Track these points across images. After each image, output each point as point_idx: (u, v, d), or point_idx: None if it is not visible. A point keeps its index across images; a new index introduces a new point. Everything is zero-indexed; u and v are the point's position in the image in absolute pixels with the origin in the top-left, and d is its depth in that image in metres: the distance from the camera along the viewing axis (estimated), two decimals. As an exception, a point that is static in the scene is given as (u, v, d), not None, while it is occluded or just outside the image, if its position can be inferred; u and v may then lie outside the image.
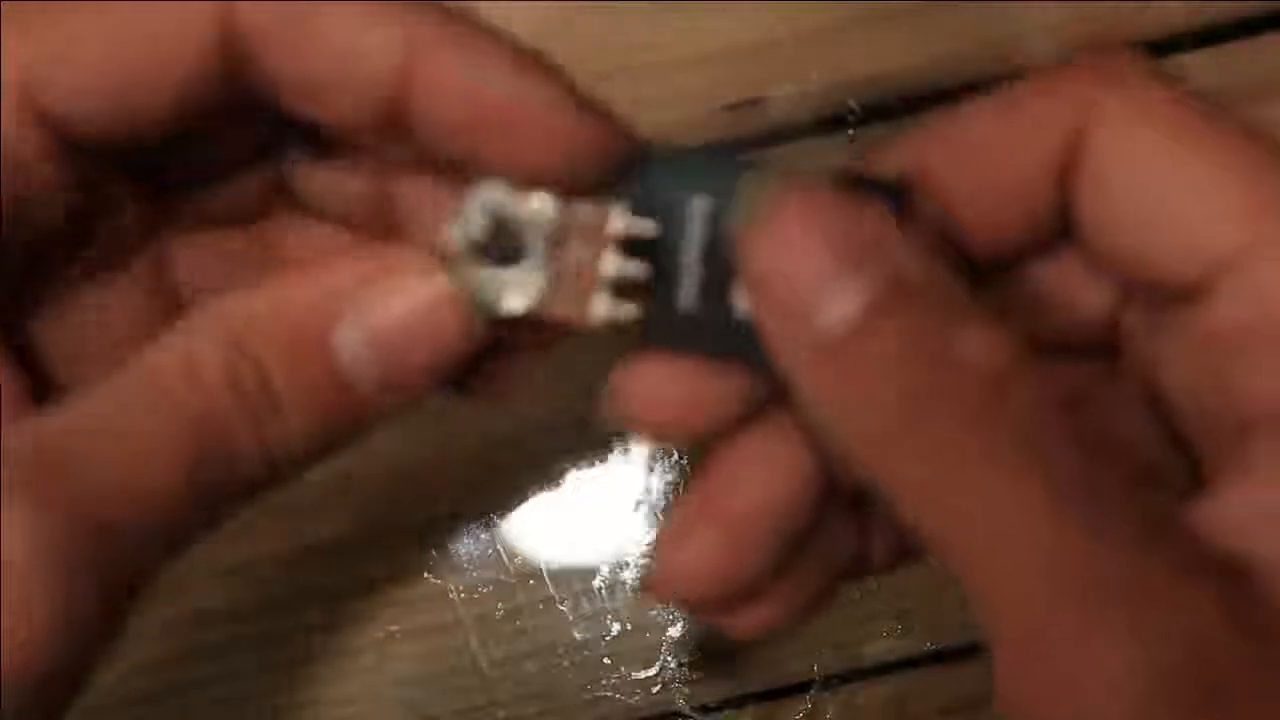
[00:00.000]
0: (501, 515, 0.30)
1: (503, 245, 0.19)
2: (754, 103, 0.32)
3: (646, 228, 0.19)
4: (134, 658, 0.30)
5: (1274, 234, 0.16)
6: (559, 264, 0.19)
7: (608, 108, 0.19)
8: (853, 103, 0.32)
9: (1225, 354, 0.16)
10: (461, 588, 0.30)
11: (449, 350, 0.19)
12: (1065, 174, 0.18)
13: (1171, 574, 0.15)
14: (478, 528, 0.30)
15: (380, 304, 0.19)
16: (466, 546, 0.30)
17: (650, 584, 0.20)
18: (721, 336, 0.19)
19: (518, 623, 0.30)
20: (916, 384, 0.16)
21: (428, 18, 0.18)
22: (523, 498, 0.30)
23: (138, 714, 0.30)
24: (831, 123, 0.32)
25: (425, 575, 0.30)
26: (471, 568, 0.30)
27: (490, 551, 0.30)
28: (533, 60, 0.19)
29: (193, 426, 0.18)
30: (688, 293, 0.19)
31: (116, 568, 0.18)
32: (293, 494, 0.30)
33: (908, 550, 0.22)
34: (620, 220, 0.19)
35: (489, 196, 0.19)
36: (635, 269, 0.19)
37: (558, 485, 0.30)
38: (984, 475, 0.16)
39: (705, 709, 0.30)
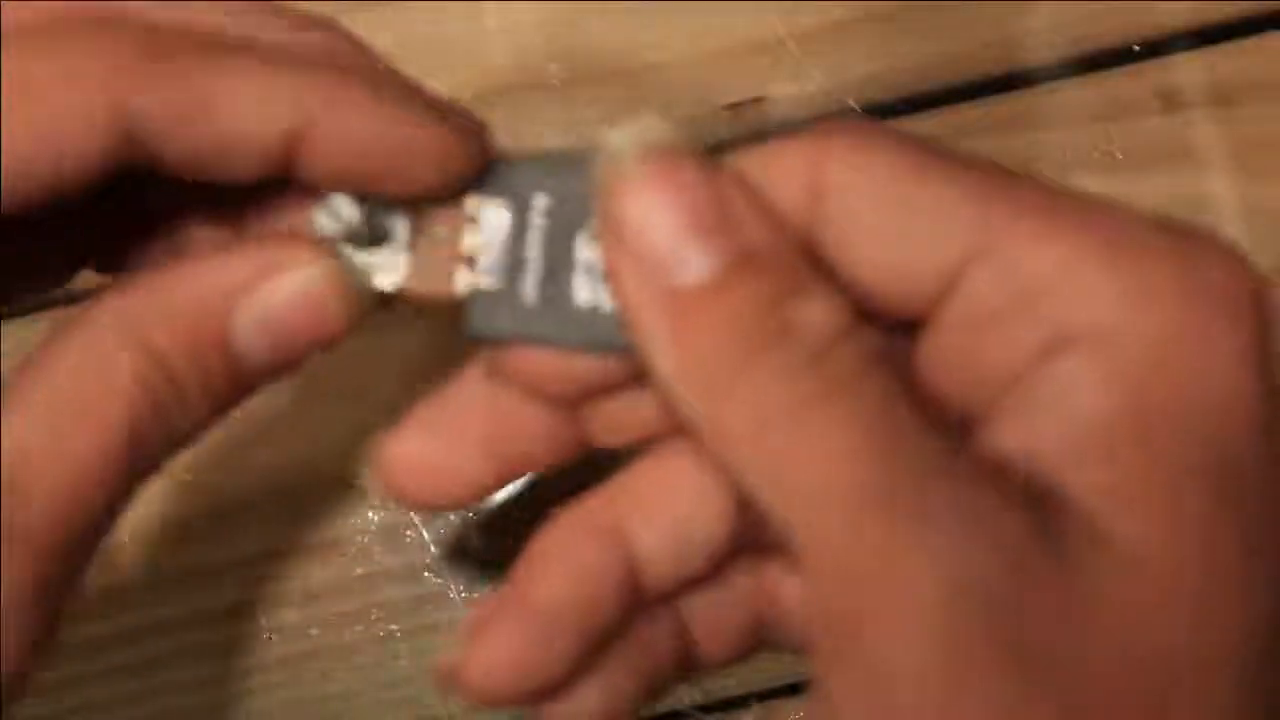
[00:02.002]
0: (502, 514, 0.30)
1: (370, 231, 0.20)
2: (754, 103, 0.32)
3: (496, 205, 0.21)
4: (131, 656, 0.30)
5: (998, 232, 0.18)
6: (422, 246, 0.21)
7: (468, 113, 0.21)
8: (853, 103, 0.32)
9: (979, 334, 0.18)
10: (461, 588, 0.30)
11: (331, 328, 0.21)
12: (812, 218, 0.19)
13: (974, 495, 0.17)
14: (478, 527, 0.30)
15: (269, 291, 0.20)
16: (466, 547, 0.30)
17: (449, 674, 0.21)
18: (558, 324, 0.20)
19: (518, 622, 0.30)
20: (754, 339, 0.18)
21: (315, 79, 0.20)
22: (523, 497, 0.30)
23: (133, 714, 0.30)
24: (832, 122, 0.32)
25: (425, 575, 0.30)
26: (471, 568, 0.30)
27: (490, 551, 0.30)
28: (410, 94, 0.20)
29: (118, 438, 0.19)
30: (530, 283, 0.21)
31: (63, 583, 0.19)
32: (293, 494, 0.30)
33: (740, 649, 0.22)
34: (473, 202, 0.21)
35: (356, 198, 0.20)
36: (488, 241, 0.21)
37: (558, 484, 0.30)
38: (803, 421, 0.17)
39: (706, 709, 0.30)
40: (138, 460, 0.19)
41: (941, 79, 0.32)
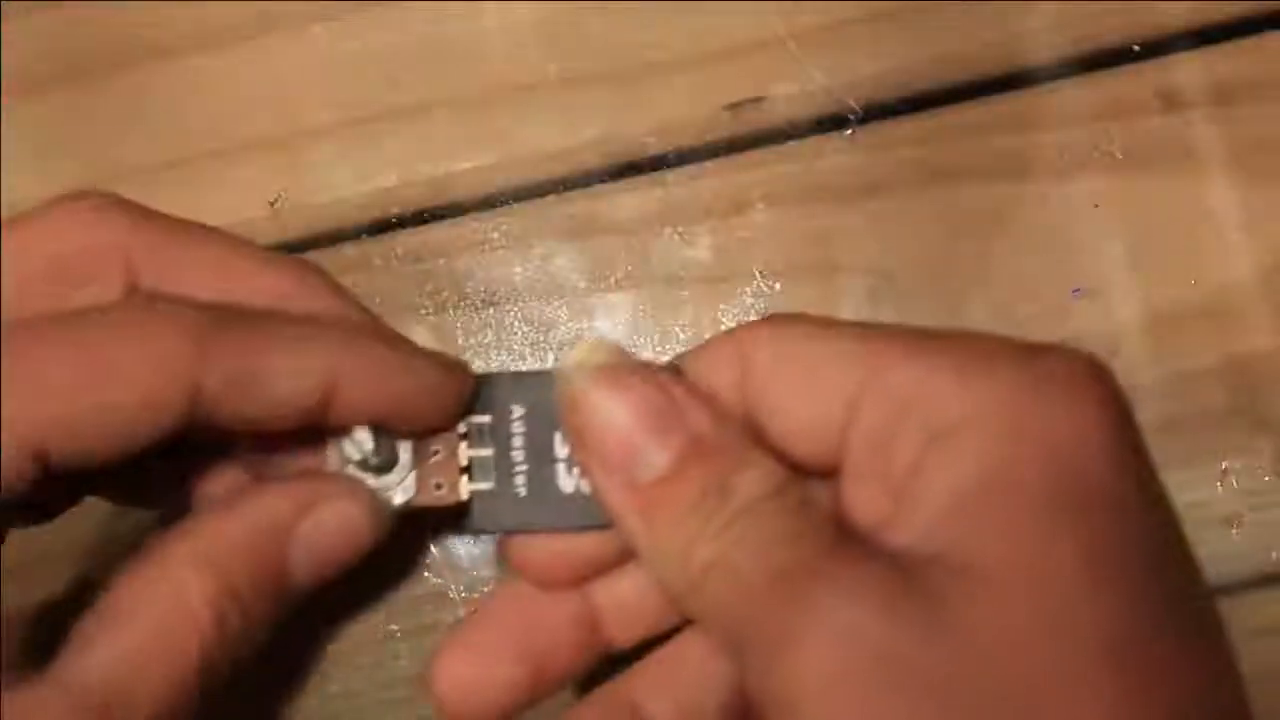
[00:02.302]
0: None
1: (382, 458, 0.24)
2: (754, 102, 0.32)
3: (482, 420, 0.25)
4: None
5: (876, 370, 0.22)
6: (425, 465, 0.25)
7: (449, 355, 0.25)
8: (853, 102, 0.32)
9: (878, 457, 0.22)
10: (461, 588, 0.30)
11: (364, 549, 0.24)
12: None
13: (861, 573, 0.20)
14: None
15: (318, 523, 0.24)
16: (466, 546, 0.30)
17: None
18: (549, 511, 0.24)
19: (518, 623, 0.30)
20: (703, 512, 0.21)
21: (343, 342, 0.23)
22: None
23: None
24: (832, 123, 0.32)
25: (425, 575, 0.30)
26: (472, 567, 0.30)
27: (490, 551, 0.30)
28: (410, 345, 0.24)
29: (194, 665, 0.22)
30: (519, 480, 0.24)
31: None
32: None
33: None
34: (463, 423, 0.25)
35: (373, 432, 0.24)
36: (480, 451, 0.25)
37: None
38: (730, 556, 0.21)
39: None
40: (206, 683, 0.22)
41: (941, 79, 0.32)
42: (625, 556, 0.24)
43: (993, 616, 0.19)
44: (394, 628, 0.30)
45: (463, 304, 0.32)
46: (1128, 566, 0.20)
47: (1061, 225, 0.31)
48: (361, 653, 0.30)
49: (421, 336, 0.32)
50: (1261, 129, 0.31)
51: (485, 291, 0.32)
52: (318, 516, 0.24)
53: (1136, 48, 0.32)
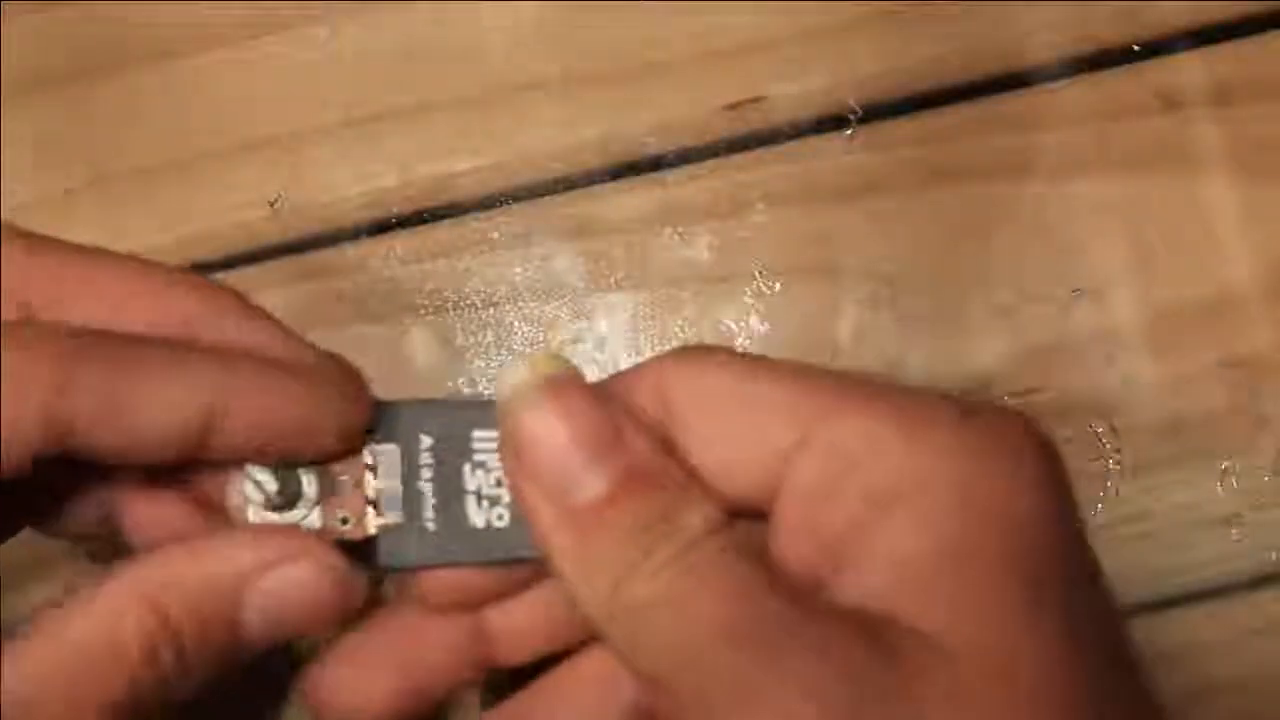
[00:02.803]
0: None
1: (284, 493, 0.23)
2: (754, 102, 0.32)
3: (389, 450, 0.24)
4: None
5: (812, 422, 0.21)
6: (330, 499, 0.23)
7: (340, 358, 0.23)
8: (853, 102, 0.32)
9: (813, 508, 0.21)
10: (461, 587, 0.30)
11: (325, 620, 0.23)
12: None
13: (817, 632, 0.19)
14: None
15: (278, 578, 0.22)
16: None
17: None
18: (459, 546, 0.23)
19: (518, 623, 0.30)
20: (640, 545, 0.20)
21: (221, 368, 0.22)
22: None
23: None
24: (832, 122, 0.32)
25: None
26: (471, 567, 0.30)
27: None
28: (317, 373, 0.23)
29: (111, 698, 0.21)
30: (428, 513, 0.23)
31: None
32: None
33: None
34: (369, 453, 0.23)
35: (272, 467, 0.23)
36: (387, 483, 0.24)
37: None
38: (674, 598, 0.20)
39: None
40: (134, 714, 0.21)
41: (941, 79, 0.32)
42: (522, 587, 0.24)
43: (954, 688, 0.19)
44: (394, 628, 0.30)
45: (463, 304, 0.32)
46: (1081, 638, 0.20)
47: (1061, 225, 0.31)
48: (361, 653, 0.30)
49: (422, 336, 0.32)
50: (1261, 129, 0.31)
51: (485, 291, 0.32)
52: (282, 574, 0.23)
53: (1136, 48, 0.32)
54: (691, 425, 0.22)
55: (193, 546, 0.23)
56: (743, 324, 0.31)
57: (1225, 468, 0.30)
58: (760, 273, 0.31)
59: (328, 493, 0.23)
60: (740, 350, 0.23)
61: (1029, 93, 0.32)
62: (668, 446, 0.22)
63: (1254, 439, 0.30)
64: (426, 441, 0.24)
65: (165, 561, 0.22)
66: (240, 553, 0.23)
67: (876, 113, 0.32)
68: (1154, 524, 0.30)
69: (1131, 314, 0.31)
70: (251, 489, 0.23)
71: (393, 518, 0.23)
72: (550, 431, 0.21)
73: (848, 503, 0.21)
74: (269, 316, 0.24)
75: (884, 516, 0.20)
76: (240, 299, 0.24)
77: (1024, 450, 0.21)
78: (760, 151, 0.32)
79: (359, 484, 0.24)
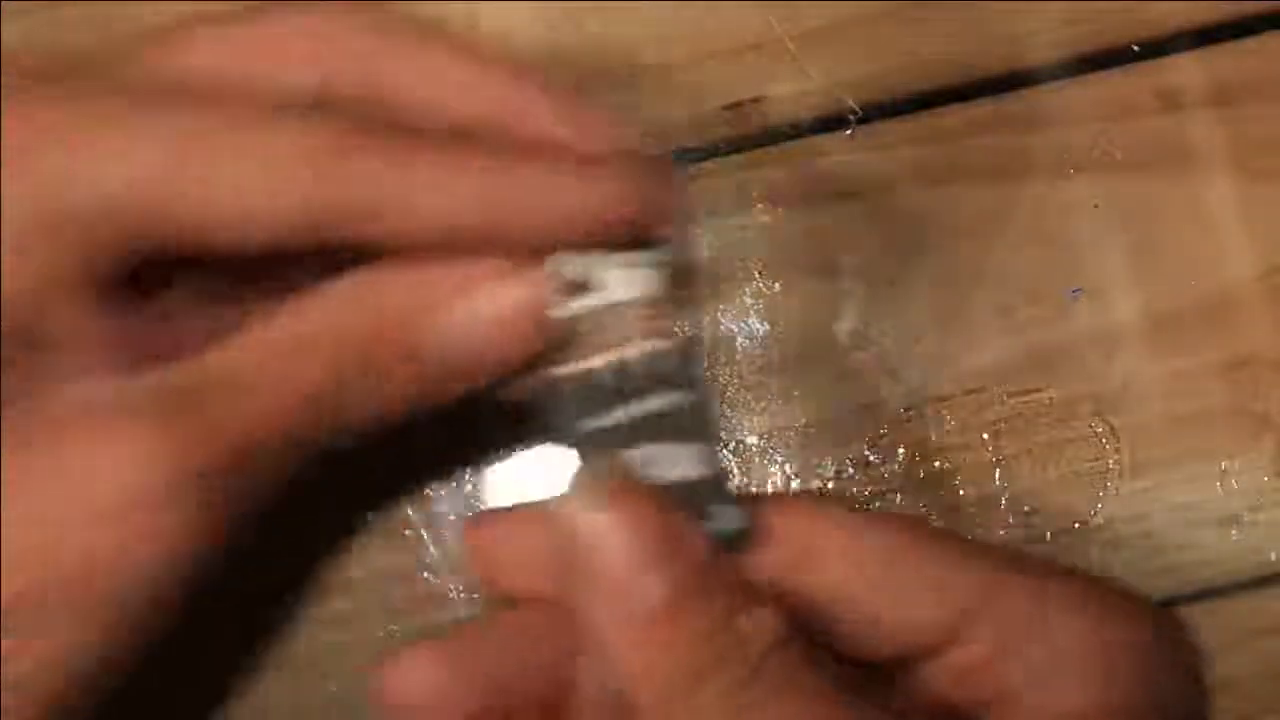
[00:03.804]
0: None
1: (583, 283, 0.23)
2: (754, 102, 0.32)
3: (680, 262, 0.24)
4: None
5: (986, 600, 0.23)
6: (612, 308, 0.23)
7: (667, 171, 0.23)
8: (853, 102, 0.32)
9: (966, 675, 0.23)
10: (461, 588, 0.30)
11: (518, 354, 0.23)
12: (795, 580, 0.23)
13: None
14: (478, 527, 0.30)
15: (465, 304, 0.22)
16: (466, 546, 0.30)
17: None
18: (628, 439, 0.23)
19: (518, 623, 0.30)
20: (706, 654, 0.21)
21: (506, 172, 0.22)
22: (523, 496, 0.30)
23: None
24: (832, 122, 0.32)
25: (425, 575, 0.30)
26: (472, 567, 0.30)
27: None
28: (603, 175, 0.22)
29: (297, 395, 0.21)
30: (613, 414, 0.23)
31: (222, 507, 0.21)
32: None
33: None
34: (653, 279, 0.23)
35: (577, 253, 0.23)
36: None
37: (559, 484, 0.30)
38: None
39: (705, 709, 0.30)
40: (314, 426, 0.21)
41: (941, 79, 0.32)
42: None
43: None
44: (394, 628, 0.30)
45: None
46: None
47: (1061, 225, 0.31)
48: (361, 653, 0.30)
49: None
50: (1261, 129, 0.31)
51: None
52: (465, 299, 0.22)
53: (1136, 48, 0.32)
54: (839, 582, 0.23)
55: (378, 274, 0.22)
56: (743, 324, 0.31)
57: (1225, 468, 0.30)
58: (760, 273, 0.31)
59: (624, 286, 0.23)
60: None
61: (1029, 93, 0.32)
62: (789, 588, 0.23)
63: (1254, 439, 0.30)
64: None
65: (356, 281, 0.22)
66: (427, 273, 0.22)
67: (876, 113, 0.32)
68: (1154, 524, 0.30)
69: (1131, 314, 0.31)
70: (556, 269, 0.23)
71: (665, 345, 0.23)
72: (612, 540, 0.21)
73: (1013, 670, 0.23)
74: (577, 103, 0.23)
75: (1041, 687, 0.22)
76: (545, 84, 0.23)
77: (1178, 651, 0.24)
78: (760, 151, 0.32)
79: (656, 307, 0.23)
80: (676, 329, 0.23)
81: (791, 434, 0.31)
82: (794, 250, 0.31)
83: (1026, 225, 0.31)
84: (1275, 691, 0.29)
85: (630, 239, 0.23)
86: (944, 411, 0.31)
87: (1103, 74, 0.32)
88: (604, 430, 0.23)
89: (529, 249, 0.22)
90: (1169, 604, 0.30)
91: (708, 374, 0.24)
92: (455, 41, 0.23)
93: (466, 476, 0.31)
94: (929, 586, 0.23)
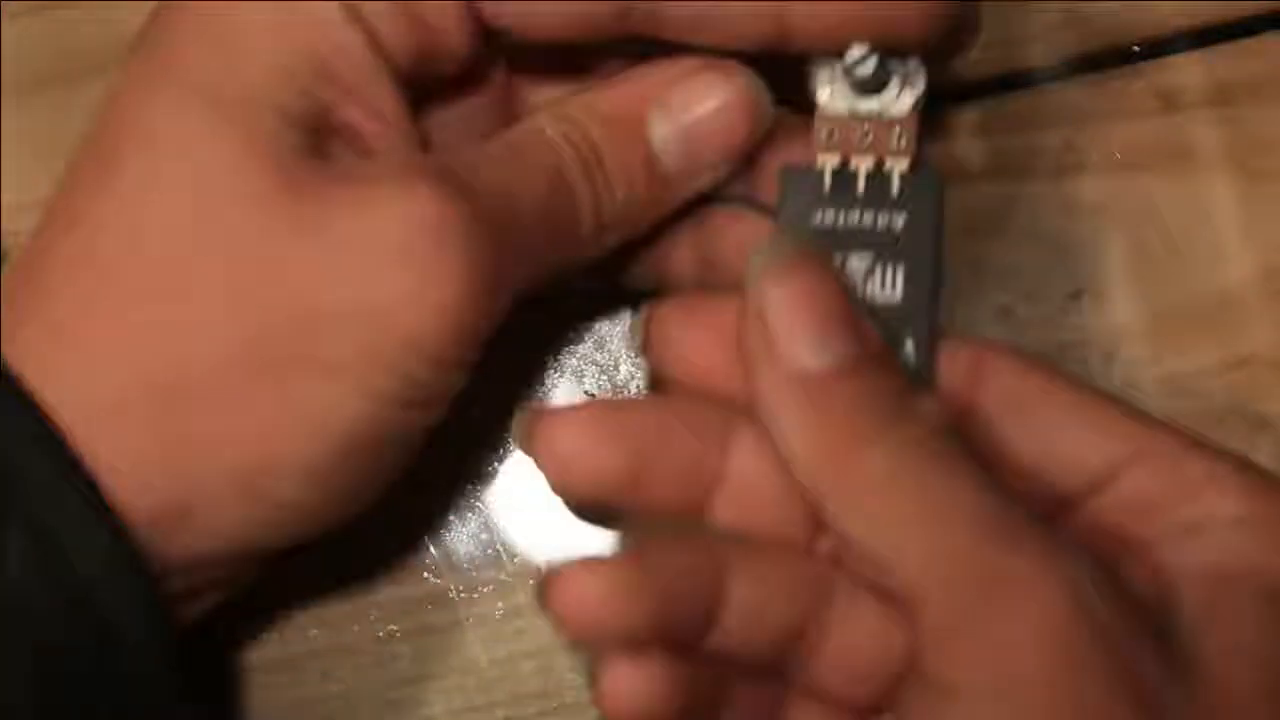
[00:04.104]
0: (502, 514, 0.30)
1: (870, 78, 0.23)
2: (754, 102, 0.32)
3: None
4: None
5: (1151, 443, 0.23)
6: (877, 116, 0.24)
7: None
8: (853, 102, 0.32)
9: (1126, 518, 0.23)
10: (461, 588, 0.30)
11: (737, 144, 0.24)
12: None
13: (1079, 540, 0.21)
14: (478, 527, 0.30)
15: (685, 99, 0.24)
16: (466, 546, 0.30)
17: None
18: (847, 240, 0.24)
19: (518, 623, 0.30)
20: (882, 415, 0.21)
21: None
22: (523, 496, 0.30)
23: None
24: (832, 122, 0.32)
25: (425, 575, 0.30)
26: (471, 568, 0.30)
27: (490, 551, 0.30)
28: None
29: (545, 174, 0.23)
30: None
31: (494, 266, 0.22)
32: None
33: None
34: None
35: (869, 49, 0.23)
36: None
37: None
38: (928, 481, 0.21)
39: None
40: (563, 208, 0.23)
41: (941, 79, 0.31)
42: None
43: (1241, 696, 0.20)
44: (394, 628, 0.30)
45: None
46: None
47: (1061, 225, 0.31)
48: (361, 653, 0.30)
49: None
50: (1261, 129, 0.31)
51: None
52: (685, 94, 0.23)
53: (1136, 48, 0.32)
54: (1002, 412, 0.23)
55: (608, 80, 0.24)
56: (743, 324, 0.31)
57: (1225, 468, 0.30)
58: (760, 273, 0.31)
59: (911, 84, 0.24)
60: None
61: (1029, 93, 0.32)
62: (967, 422, 0.23)
63: (1254, 439, 0.30)
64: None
65: (580, 93, 0.24)
66: (647, 76, 0.24)
67: (876, 113, 0.32)
68: (1154, 524, 0.30)
69: (1131, 314, 0.31)
70: (832, 71, 0.23)
71: (905, 164, 0.24)
72: (796, 299, 0.22)
73: (1176, 513, 0.22)
74: None
75: (1203, 537, 0.22)
76: None
77: None
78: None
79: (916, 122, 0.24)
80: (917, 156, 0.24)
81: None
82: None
83: (1026, 225, 0.31)
84: None
85: (913, 49, 0.24)
86: (944, 411, 0.31)
87: (1103, 74, 0.32)
88: (826, 230, 0.24)
89: (842, 36, 0.23)
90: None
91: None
92: None
93: (466, 476, 0.31)
94: (1088, 426, 0.23)
